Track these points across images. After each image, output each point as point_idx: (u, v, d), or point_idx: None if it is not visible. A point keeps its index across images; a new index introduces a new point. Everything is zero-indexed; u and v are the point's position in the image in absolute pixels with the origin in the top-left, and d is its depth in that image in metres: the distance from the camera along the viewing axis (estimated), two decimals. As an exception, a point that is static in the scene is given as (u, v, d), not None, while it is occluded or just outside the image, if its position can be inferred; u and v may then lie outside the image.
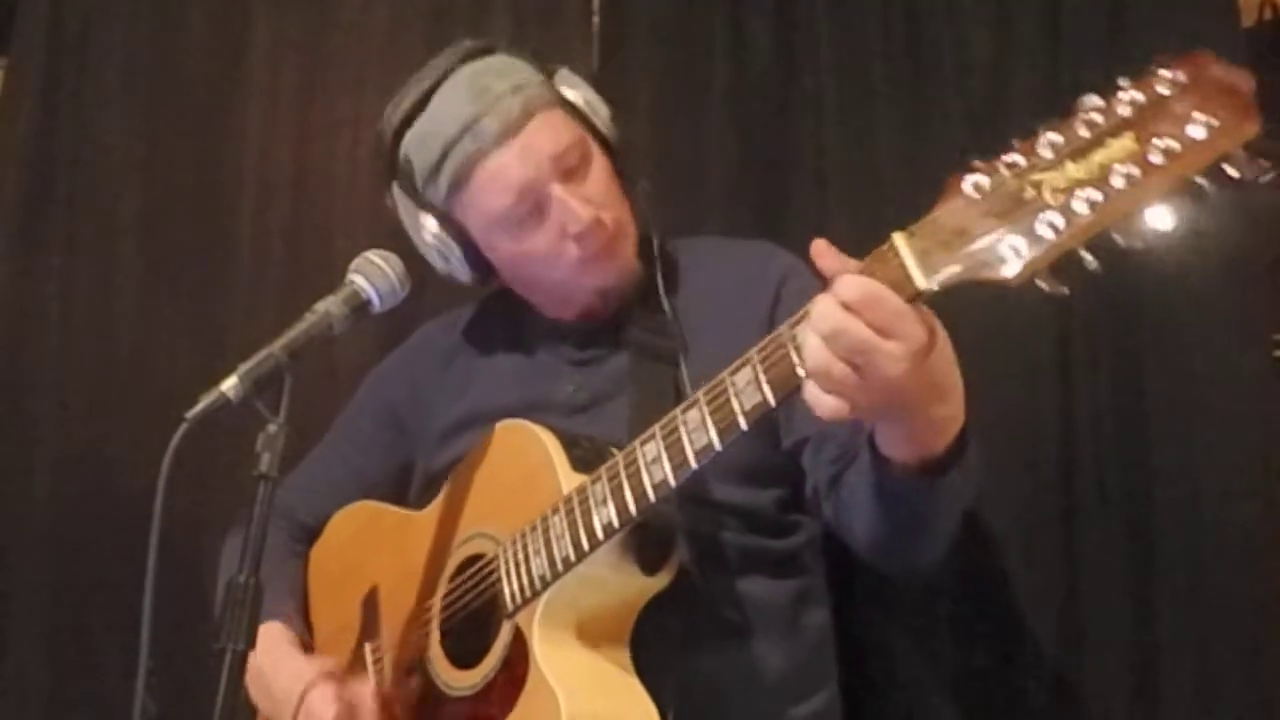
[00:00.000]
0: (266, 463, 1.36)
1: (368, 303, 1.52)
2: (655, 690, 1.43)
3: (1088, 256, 1.01)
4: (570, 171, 1.61)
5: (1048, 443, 1.93)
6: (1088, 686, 1.89)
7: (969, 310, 1.93)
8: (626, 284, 1.67)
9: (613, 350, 1.67)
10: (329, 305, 1.49)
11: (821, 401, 1.13)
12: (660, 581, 1.47)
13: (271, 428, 1.37)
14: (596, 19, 2.20)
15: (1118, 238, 1.00)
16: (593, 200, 1.60)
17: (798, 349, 1.16)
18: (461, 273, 1.69)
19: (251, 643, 1.32)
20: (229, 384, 1.39)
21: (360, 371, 2.18)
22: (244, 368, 1.40)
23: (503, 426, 1.58)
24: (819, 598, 1.65)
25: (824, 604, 1.65)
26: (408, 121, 1.63)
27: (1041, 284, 1.02)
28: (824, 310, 1.10)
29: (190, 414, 1.37)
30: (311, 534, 1.80)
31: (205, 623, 1.94)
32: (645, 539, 1.44)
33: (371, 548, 1.71)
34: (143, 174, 2.31)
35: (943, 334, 1.16)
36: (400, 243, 1.70)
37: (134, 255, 2.28)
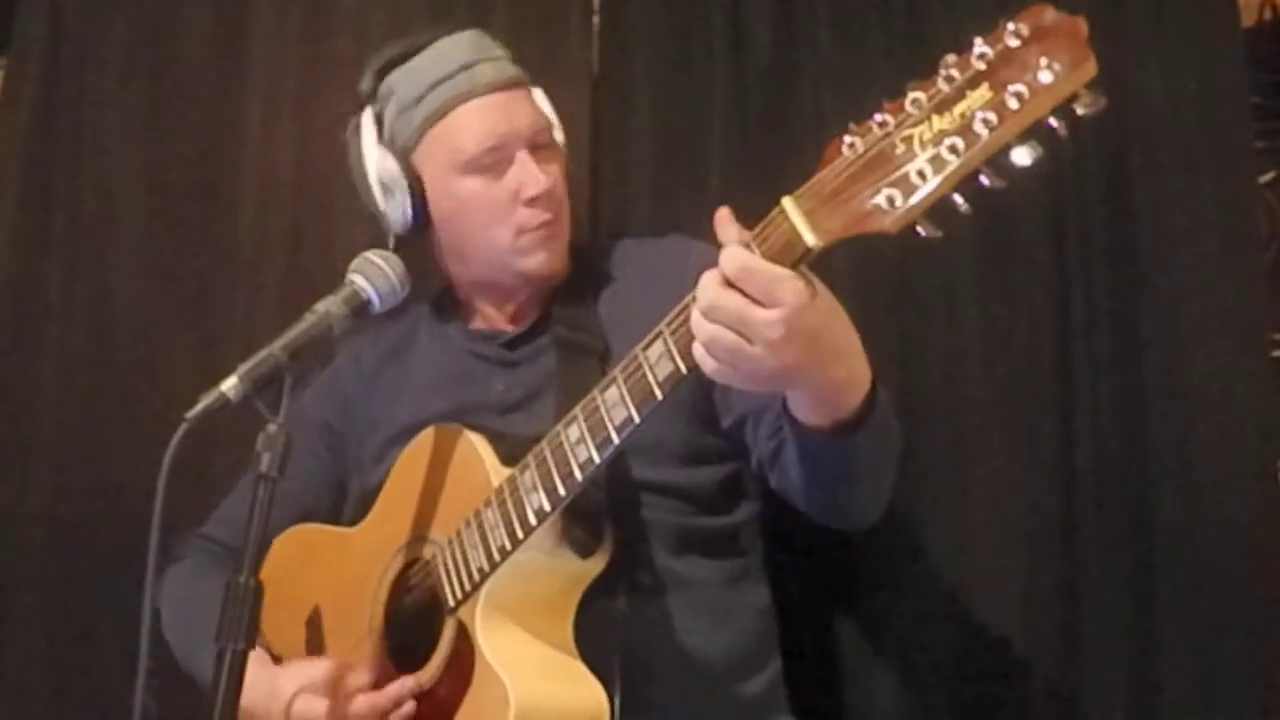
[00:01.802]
0: (266, 463, 1.36)
1: (368, 303, 1.52)
2: (599, 673, 1.46)
3: (959, 200, 1.07)
4: (538, 148, 1.69)
5: (1047, 442, 1.93)
6: (1087, 687, 1.89)
7: (969, 310, 1.97)
8: (551, 280, 1.72)
9: (541, 350, 1.70)
10: (329, 305, 1.49)
11: (714, 370, 1.19)
12: (596, 565, 1.50)
13: (271, 428, 1.37)
14: (596, 19, 2.20)
15: (984, 179, 1.06)
16: (553, 182, 1.69)
17: None
18: (399, 215, 1.72)
19: (251, 642, 1.32)
20: (229, 384, 1.39)
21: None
22: (244, 368, 1.40)
23: (427, 432, 1.60)
24: (757, 577, 1.68)
25: (762, 583, 1.68)
26: (404, 58, 1.73)
27: (920, 230, 1.09)
28: (704, 285, 1.17)
29: (190, 414, 1.37)
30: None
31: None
32: (577, 522, 1.47)
33: (309, 570, 1.71)
34: (143, 174, 2.30)
35: (829, 297, 1.21)
36: (401, 244, 1.70)
37: (134, 255, 2.28)
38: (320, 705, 1.50)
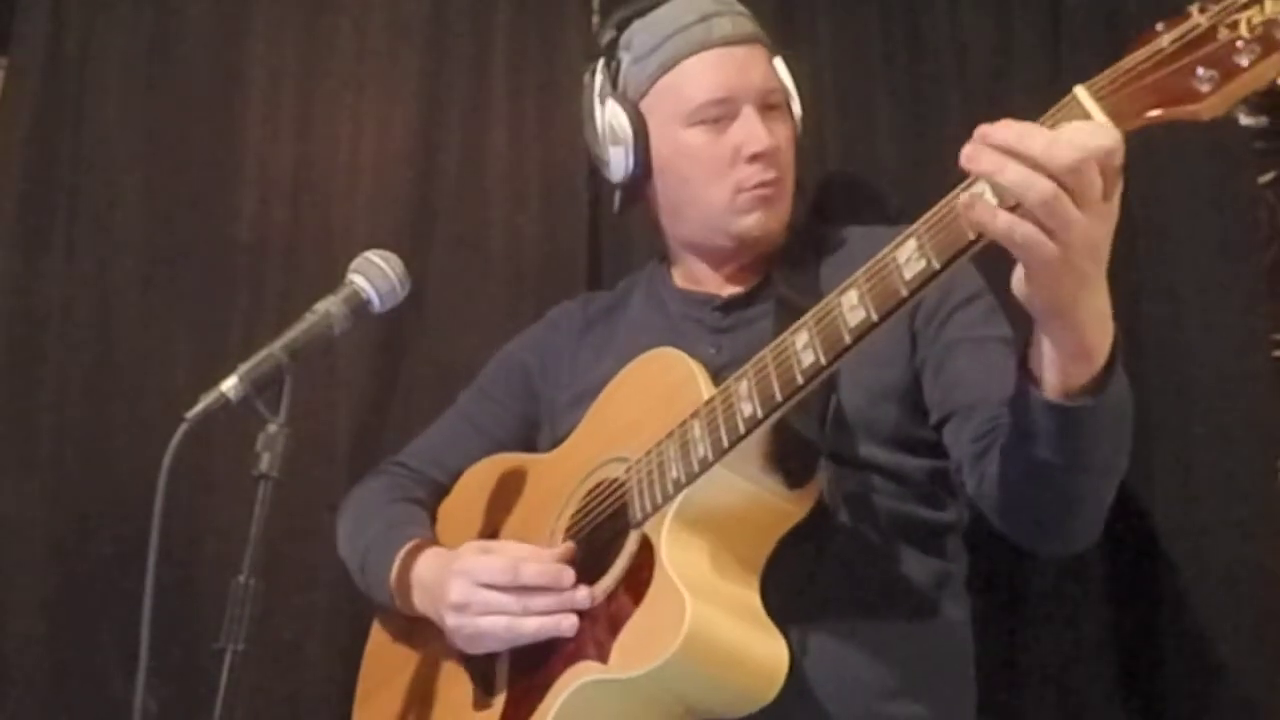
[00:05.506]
0: (266, 463, 1.36)
1: (368, 303, 1.52)
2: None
3: None
4: (768, 108, 1.65)
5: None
6: (1087, 690, 1.89)
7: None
8: (765, 244, 1.66)
9: (759, 316, 1.64)
10: (329, 305, 1.49)
11: (1024, 238, 1.08)
12: (799, 506, 1.41)
13: (271, 428, 1.37)
14: (596, 19, 2.20)
15: None
16: (778, 142, 1.64)
17: (972, 206, 1.10)
18: (621, 164, 1.69)
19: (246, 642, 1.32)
20: (229, 384, 1.39)
21: (360, 371, 2.19)
22: (244, 368, 1.41)
23: (643, 356, 1.57)
24: (961, 591, 1.57)
25: (965, 599, 1.58)
26: (645, 11, 1.69)
27: (1242, 118, 0.99)
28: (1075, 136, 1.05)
29: (190, 414, 1.38)
30: (444, 491, 1.80)
31: (205, 623, 1.95)
32: (791, 447, 1.40)
33: (497, 494, 1.70)
34: (143, 174, 2.30)
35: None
36: (400, 244, 1.70)
37: (134, 256, 2.28)
38: (497, 597, 1.48)
